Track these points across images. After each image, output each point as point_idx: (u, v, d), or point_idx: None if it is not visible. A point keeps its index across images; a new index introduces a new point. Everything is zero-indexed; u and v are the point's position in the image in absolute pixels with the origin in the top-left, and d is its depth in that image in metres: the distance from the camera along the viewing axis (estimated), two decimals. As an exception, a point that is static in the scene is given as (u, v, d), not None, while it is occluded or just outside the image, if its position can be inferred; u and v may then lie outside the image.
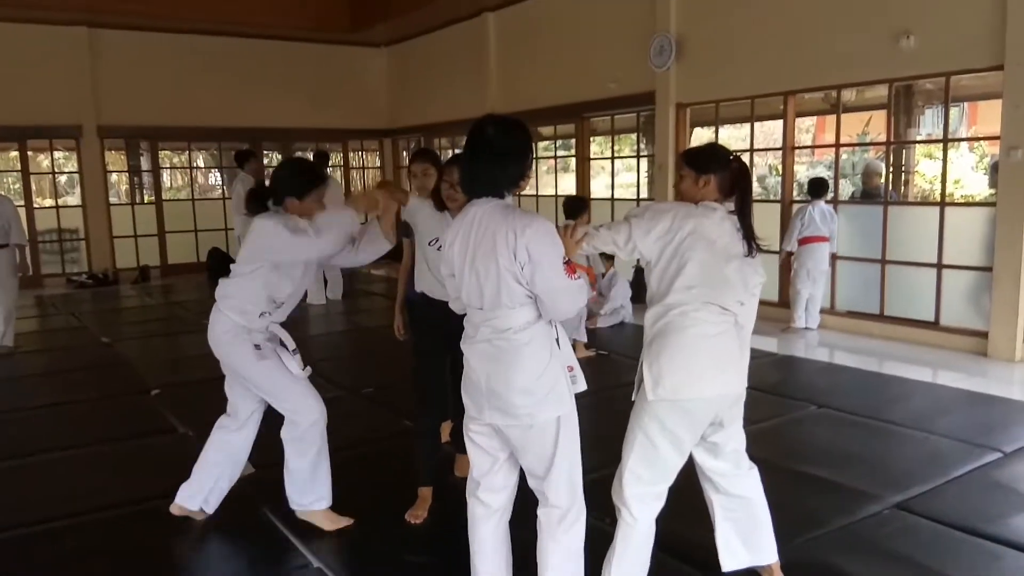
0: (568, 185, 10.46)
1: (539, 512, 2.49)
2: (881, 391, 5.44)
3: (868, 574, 2.88)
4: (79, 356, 6.81)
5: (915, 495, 3.55)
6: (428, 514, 3.39)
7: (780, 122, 7.97)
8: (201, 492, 3.37)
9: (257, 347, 3.19)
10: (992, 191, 9.48)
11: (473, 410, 2.45)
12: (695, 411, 2.54)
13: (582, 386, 2.48)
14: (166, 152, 13.24)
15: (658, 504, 2.64)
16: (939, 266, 6.62)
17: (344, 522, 3.31)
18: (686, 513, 2.92)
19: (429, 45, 12.49)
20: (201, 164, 13.56)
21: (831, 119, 10.07)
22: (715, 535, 2.79)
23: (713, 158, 2.64)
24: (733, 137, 9.20)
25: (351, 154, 14.28)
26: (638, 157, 9.99)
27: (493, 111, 11.14)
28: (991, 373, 5.79)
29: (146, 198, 12.72)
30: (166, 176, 13.29)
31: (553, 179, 10.91)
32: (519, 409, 2.33)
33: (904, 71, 6.65)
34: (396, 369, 6.14)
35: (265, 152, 13.28)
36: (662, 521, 2.67)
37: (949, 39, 6.19)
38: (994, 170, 6.76)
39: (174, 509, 3.40)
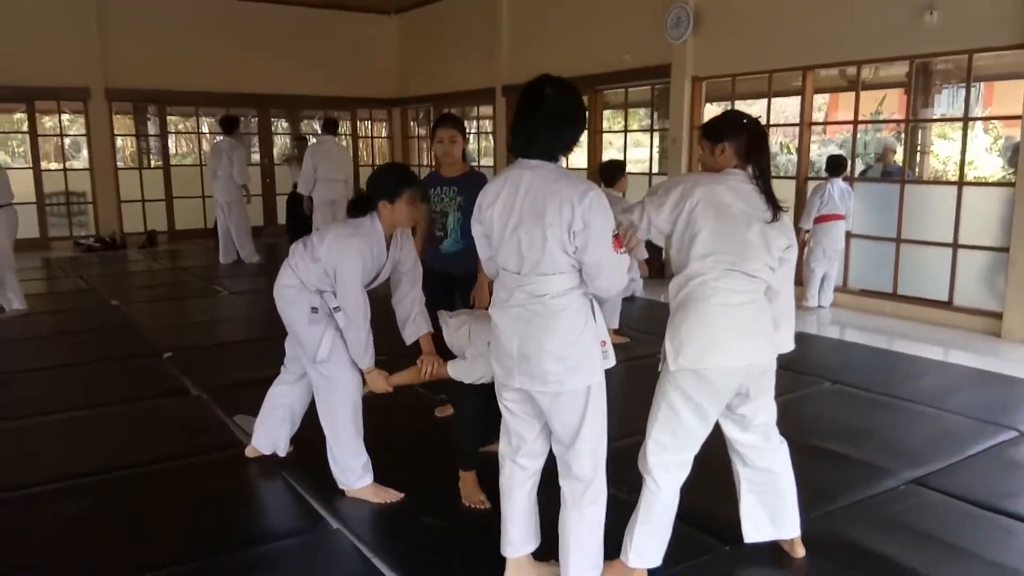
0: (579, 158, 10.38)
1: (562, 484, 2.48)
2: (894, 368, 5.44)
3: (886, 548, 2.88)
4: (88, 318, 6.80)
5: (931, 471, 3.54)
6: (446, 479, 3.37)
7: (791, 100, 7.89)
8: (269, 437, 3.59)
9: (314, 310, 3.22)
10: (1006, 172, 9.45)
11: (503, 376, 2.43)
12: (716, 381, 2.52)
13: (612, 361, 2.48)
14: (173, 117, 13.16)
15: (682, 473, 2.63)
16: (955, 246, 6.58)
17: (393, 495, 3.27)
18: (710, 486, 2.93)
19: (440, 13, 12.34)
20: (206, 130, 13.46)
21: (844, 97, 10.01)
22: (740, 507, 2.79)
23: (725, 125, 2.62)
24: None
25: (359, 123, 14.17)
26: (652, 131, 9.91)
27: (504, 82, 11.13)
28: (1004, 353, 5.77)
29: (152, 163, 12.66)
30: (172, 141, 13.20)
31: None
32: (549, 375, 2.30)
33: (926, 48, 6.55)
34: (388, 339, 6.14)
35: (272, 118, 13.23)
36: (685, 493, 2.67)
37: (972, 16, 6.09)
38: (1014, 151, 6.69)
39: (249, 452, 3.66)
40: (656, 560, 2.63)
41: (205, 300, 7.78)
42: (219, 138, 9.51)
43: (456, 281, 4.00)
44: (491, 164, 12.07)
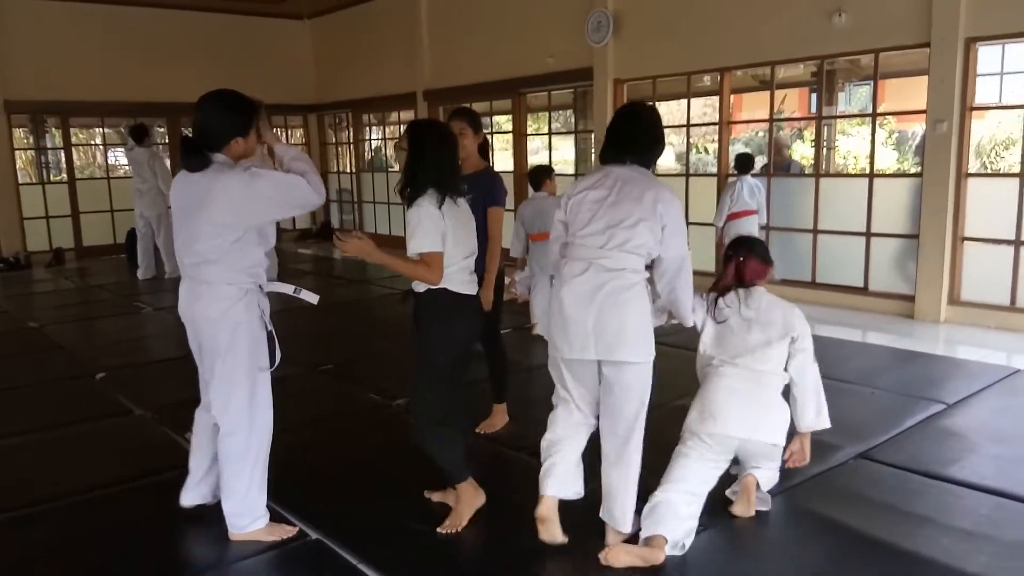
0: (505, 161, 10.48)
1: (605, 441, 2.83)
2: (822, 353, 5.58)
3: (849, 517, 3.06)
4: (9, 342, 6.43)
5: (875, 445, 3.78)
6: (427, 482, 3.37)
7: (698, 100, 8.21)
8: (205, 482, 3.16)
9: (263, 319, 2.89)
10: (900, 163, 10.10)
11: (566, 349, 2.77)
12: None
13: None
14: (73, 129, 12.55)
15: None
16: (868, 234, 6.99)
17: (288, 531, 3.02)
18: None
19: (357, 17, 12.23)
20: (98, 141, 12.87)
21: (748, 97, 10.48)
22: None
23: None
24: (666, 113, 9.43)
25: (276, 130, 13.81)
26: (575, 133, 10.10)
27: (426, 86, 11.08)
28: (919, 333, 6.18)
29: (52, 177, 12.04)
30: (75, 154, 12.58)
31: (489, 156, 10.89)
32: (625, 348, 2.71)
33: (835, 48, 6.95)
34: (350, 346, 6.13)
35: (183, 128, 12.77)
36: (655, 477, 2.77)
37: (878, 17, 6.50)
38: (921, 143, 7.16)
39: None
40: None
41: (129, 318, 7.48)
42: (135, 149, 9.11)
43: None
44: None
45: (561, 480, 2.85)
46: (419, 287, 2.97)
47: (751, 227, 7.22)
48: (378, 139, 13.38)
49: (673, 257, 2.77)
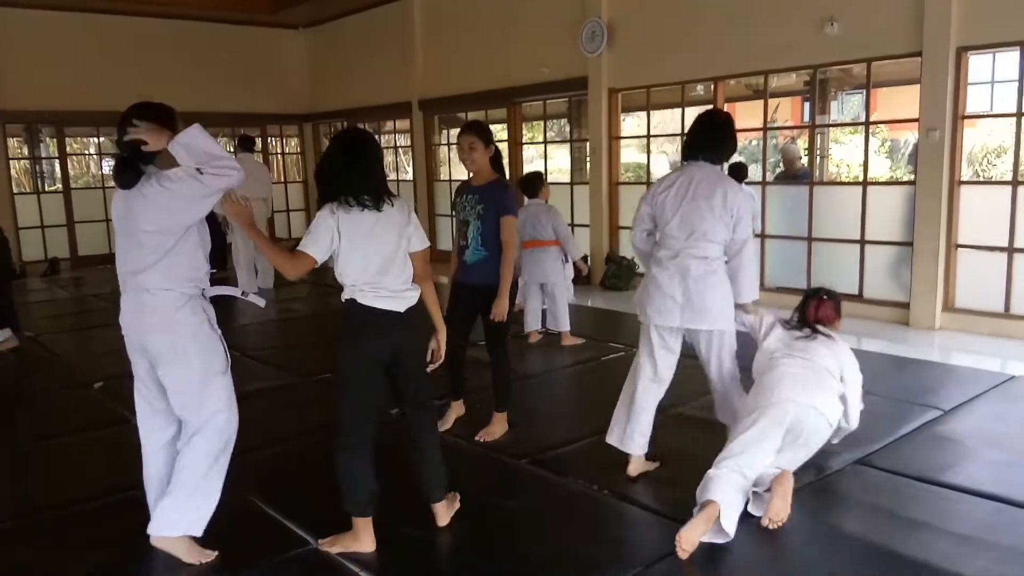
0: (500, 170, 10.52)
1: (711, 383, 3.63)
2: None
3: (847, 522, 3.09)
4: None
5: (872, 451, 3.79)
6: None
7: (692, 110, 8.26)
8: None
9: (211, 324, 2.88)
10: (893, 171, 10.17)
11: (659, 318, 3.45)
12: None
13: None
14: (68, 138, 12.55)
15: None
16: (862, 242, 7.03)
17: (208, 555, 2.93)
18: (686, 481, 3.05)
19: (351, 27, 12.28)
20: (93, 151, 12.82)
21: (741, 106, 10.55)
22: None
23: None
24: (658, 123, 9.46)
25: (271, 139, 13.88)
26: (570, 142, 10.14)
27: (420, 96, 11.12)
28: (913, 340, 6.21)
29: (47, 187, 12.03)
30: (70, 163, 12.58)
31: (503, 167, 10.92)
32: (708, 316, 3.39)
33: (828, 57, 7.01)
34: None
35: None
36: (660, 488, 2.79)
37: (870, 27, 6.56)
38: (914, 151, 7.21)
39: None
40: None
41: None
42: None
43: (479, 296, 3.95)
44: (410, 178, 12.05)
45: (638, 441, 3.57)
46: (345, 295, 2.95)
47: None
48: (373, 148, 13.38)
49: (739, 239, 3.40)
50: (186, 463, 2.88)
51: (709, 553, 2.89)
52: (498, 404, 4.19)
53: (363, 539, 2.96)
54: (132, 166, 2.73)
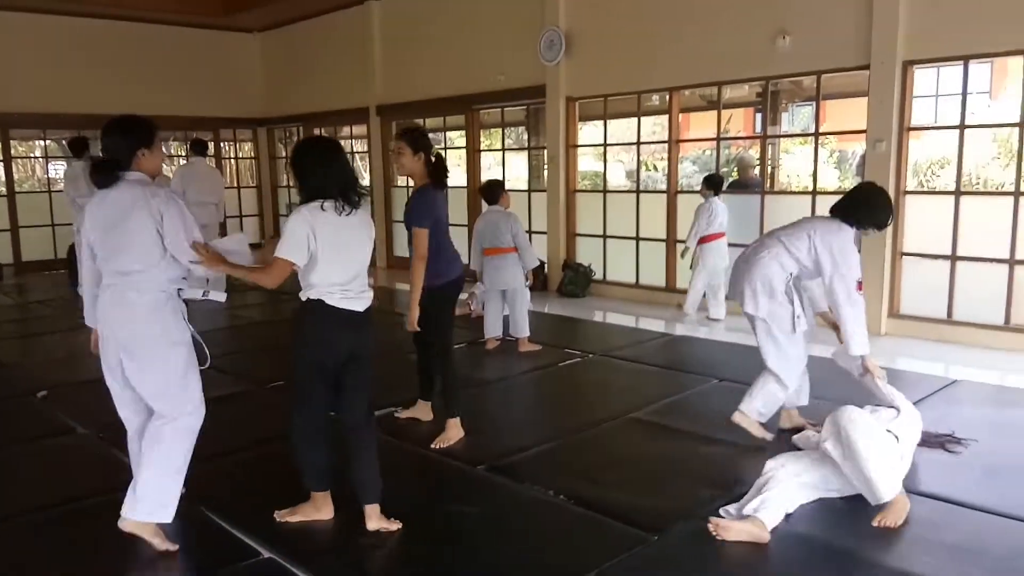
0: (459, 177, 10.51)
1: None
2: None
3: (800, 525, 3.13)
4: (-58, 360, 6.20)
5: (822, 454, 3.87)
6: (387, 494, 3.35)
7: (648, 119, 8.42)
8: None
9: (186, 321, 3.05)
10: (841, 181, 10.41)
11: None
12: None
13: None
14: (13, 141, 12.19)
15: None
16: (812, 250, 7.17)
17: (171, 546, 3.00)
18: (625, 480, 3.07)
19: (308, 32, 12.18)
20: (39, 154, 12.49)
21: (696, 116, 10.73)
22: None
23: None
24: (616, 131, 9.55)
25: (224, 144, 13.68)
26: (528, 149, 10.18)
27: (379, 101, 11.06)
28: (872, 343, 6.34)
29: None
30: (15, 167, 12.21)
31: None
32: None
33: (779, 69, 7.17)
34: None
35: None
36: (600, 488, 2.79)
37: (821, 40, 6.73)
38: (861, 162, 7.40)
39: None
40: None
41: (71, 334, 7.25)
42: (74, 162, 8.91)
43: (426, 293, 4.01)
44: (367, 184, 11.97)
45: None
46: (301, 294, 3.03)
47: (724, 249, 7.20)
48: (330, 154, 13.26)
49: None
50: (152, 443, 3.00)
51: (665, 555, 2.92)
52: (448, 410, 4.19)
53: (322, 509, 3.16)
54: (110, 169, 2.94)
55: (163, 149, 3.13)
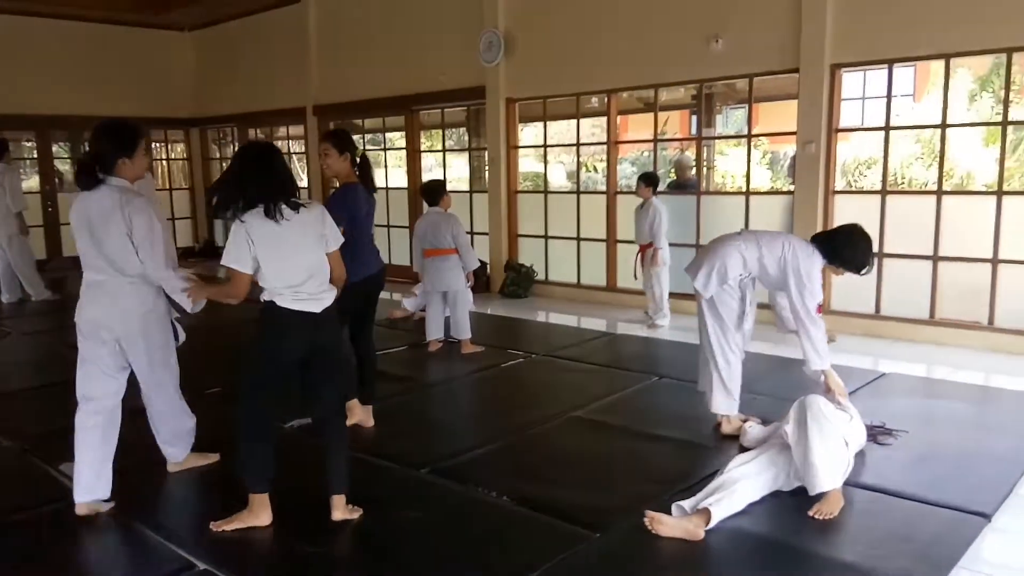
0: (399, 178, 10.44)
1: None
2: (695, 361, 5.96)
3: (744, 512, 3.20)
4: None
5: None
6: (313, 502, 3.31)
7: (587, 121, 8.52)
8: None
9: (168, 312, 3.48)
10: (774, 182, 10.70)
11: None
12: None
13: None
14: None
15: None
16: (747, 249, 7.33)
17: (212, 457, 3.80)
18: (561, 477, 3.09)
19: (242, 30, 11.92)
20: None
21: (634, 118, 10.89)
22: None
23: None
24: (556, 133, 9.61)
25: (155, 145, 13.29)
26: (469, 150, 10.17)
27: (315, 101, 10.91)
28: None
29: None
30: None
31: (384, 172, 10.82)
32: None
33: (713, 72, 7.31)
34: (237, 367, 5.84)
35: (54, 142, 12.11)
36: (536, 486, 2.82)
37: (753, 44, 6.89)
38: (791, 163, 7.59)
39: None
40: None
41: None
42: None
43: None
44: (304, 185, 11.78)
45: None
46: (263, 296, 3.08)
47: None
48: (266, 155, 13.01)
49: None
50: (160, 402, 3.54)
51: (607, 552, 2.95)
52: (362, 396, 4.35)
53: (260, 514, 3.14)
54: (91, 172, 3.18)
55: (146, 155, 3.35)
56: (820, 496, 3.22)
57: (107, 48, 11.77)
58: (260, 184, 2.96)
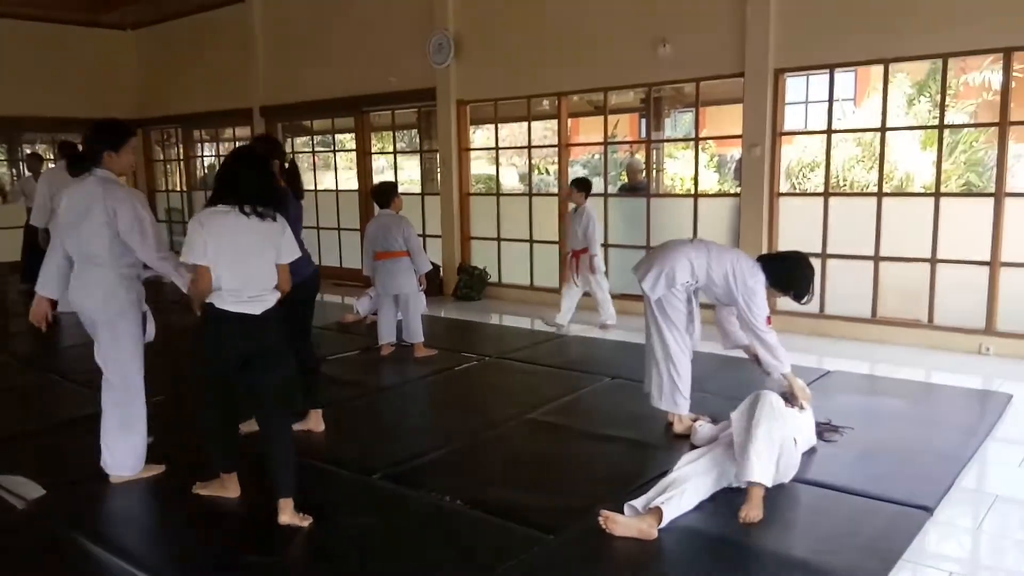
0: (349, 181, 10.33)
1: None
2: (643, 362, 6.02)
3: (695, 511, 3.24)
4: None
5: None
6: (268, 511, 3.25)
7: (538, 123, 8.57)
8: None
9: (141, 301, 3.62)
10: (721, 184, 10.89)
11: None
12: None
13: None
14: None
15: None
16: (696, 250, 7.44)
17: (157, 468, 3.73)
18: (515, 480, 3.09)
19: (186, 30, 11.68)
20: None
21: (584, 121, 10.98)
22: None
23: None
24: (508, 135, 9.64)
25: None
26: (420, 152, 10.11)
27: (262, 102, 10.74)
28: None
29: None
30: None
31: (333, 174, 10.70)
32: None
33: (661, 76, 7.41)
34: (184, 374, 5.68)
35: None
36: (492, 489, 2.80)
37: (699, 49, 7.00)
38: (738, 166, 7.72)
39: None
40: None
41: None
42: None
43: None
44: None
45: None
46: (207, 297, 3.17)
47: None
48: (211, 156, 12.79)
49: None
50: (110, 407, 3.60)
51: (561, 554, 2.96)
52: (304, 400, 4.27)
53: (230, 488, 3.42)
54: (81, 162, 3.48)
55: (132, 152, 3.58)
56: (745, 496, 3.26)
57: (46, 47, 11.44)
58: (237, 185, 3.14)
